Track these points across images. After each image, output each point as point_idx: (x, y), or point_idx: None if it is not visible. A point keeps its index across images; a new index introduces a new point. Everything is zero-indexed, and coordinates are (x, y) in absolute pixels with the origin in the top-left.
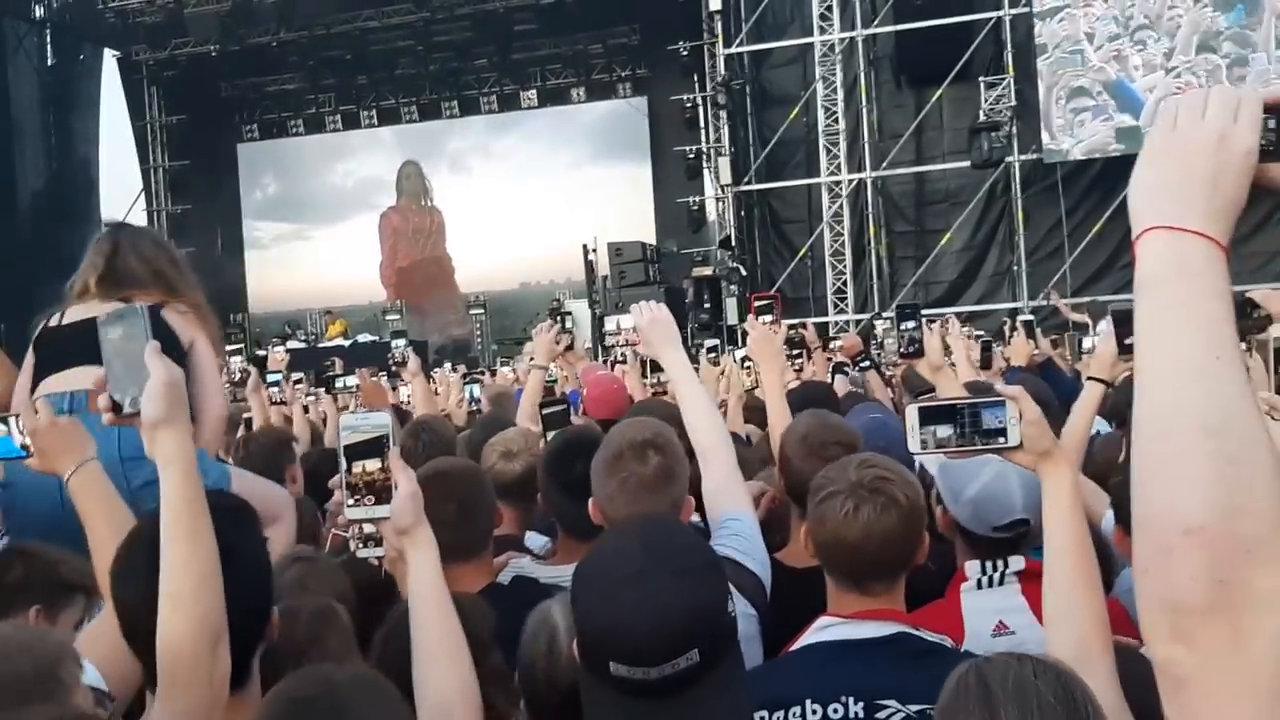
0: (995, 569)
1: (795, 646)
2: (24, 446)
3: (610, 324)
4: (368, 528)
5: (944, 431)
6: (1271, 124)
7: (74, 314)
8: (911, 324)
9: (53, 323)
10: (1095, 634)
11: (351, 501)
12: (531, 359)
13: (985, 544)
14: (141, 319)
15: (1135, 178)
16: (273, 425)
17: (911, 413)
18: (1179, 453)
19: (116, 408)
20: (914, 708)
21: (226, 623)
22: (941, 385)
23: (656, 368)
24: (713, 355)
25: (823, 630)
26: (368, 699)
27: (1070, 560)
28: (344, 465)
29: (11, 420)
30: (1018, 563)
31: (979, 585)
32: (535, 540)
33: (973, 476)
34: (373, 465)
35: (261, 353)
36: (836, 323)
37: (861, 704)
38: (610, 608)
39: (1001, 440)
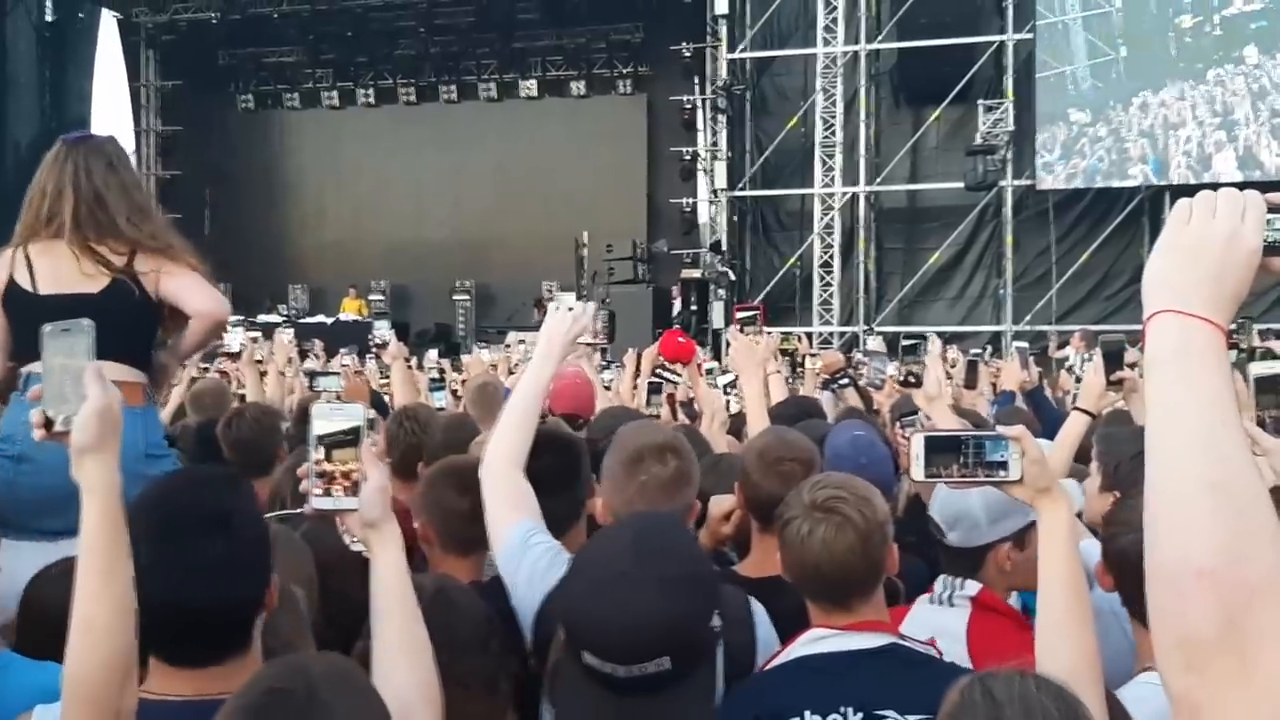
0: (950, 588)
1: (784, 659)
2: None
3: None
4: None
5: (947, 461)
6: (1278, 224)
7: (43, 267)
8: (912, 357)
9: (22, 279)
10: (1084, 668)
11: (319, 492)
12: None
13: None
14: (87, 337)
15: (1150, 265)
16: (260, 404)
17: (917, 441)
18: (1188, 508)
19: (49, 424)
20: (913, 718)
21: (138, 658)
22: (935, 415)
23: (656, 389)
24: (710, 381)
25: (814, 642)
26: (341, 690)
27: (1063, 596)
28: (313, 455)
29: None
30: (972, 587)
31: (932, 600)
32: None
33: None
34: (344, 456)
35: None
36: (821, 333)
37: (861, 714)
38: (588, 602)
39: (1003, 474)
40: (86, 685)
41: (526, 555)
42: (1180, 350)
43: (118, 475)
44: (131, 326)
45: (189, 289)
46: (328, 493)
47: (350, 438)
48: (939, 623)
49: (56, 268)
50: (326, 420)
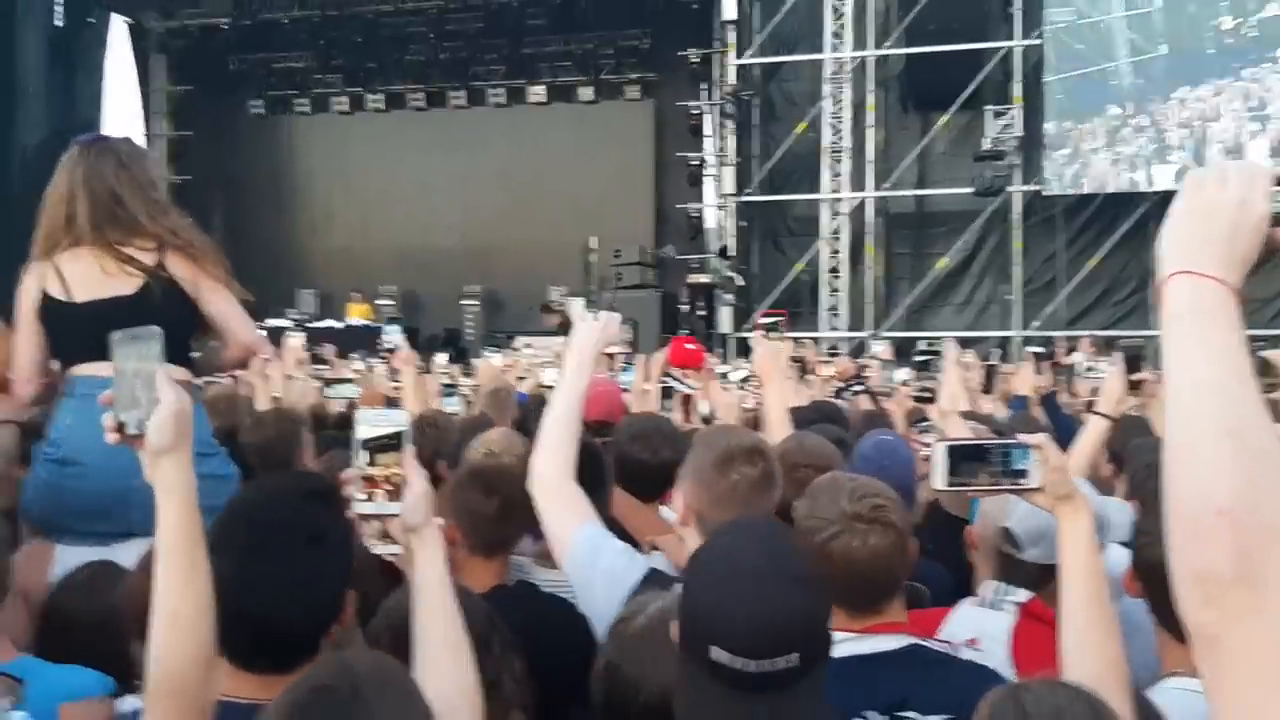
0: (999, 593)
1: None
2: None
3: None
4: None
5: (970, 469)
6: None
7: (74, 275)
8: (925, 373)
9: (55, 291)
10: (1108, 675)
11: (363, 497)
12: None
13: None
14: (157, 342)
15: (1165, 231)
16: (280, 409)
17: (940, 450)
18: (1205, 453)
19: (121, 427)
20: (934, 718)
21: (216, 648)
22: (948, 428)
23: (667, 394)
24: (723, 378)
25: (835, 646)
26: (385, 690)
27: (1084, 604)
28: (357, 460)
29: None
30: (1022, 594)
31: (979, 603)
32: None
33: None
34: (386, 461)
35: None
36: (829, 339)
37: (886, 717)
38: (722, 595)
39: (1024, 481)
40: (175, 678)
41: (601, 558)
42: (1193, 308)
43: (192, 474)
44: (170, 324)
45: (234, 319)
46: (371, 497)
47: (394, 443)
48: (983, 625)
49: (88, 274)
50: (371, 425)
